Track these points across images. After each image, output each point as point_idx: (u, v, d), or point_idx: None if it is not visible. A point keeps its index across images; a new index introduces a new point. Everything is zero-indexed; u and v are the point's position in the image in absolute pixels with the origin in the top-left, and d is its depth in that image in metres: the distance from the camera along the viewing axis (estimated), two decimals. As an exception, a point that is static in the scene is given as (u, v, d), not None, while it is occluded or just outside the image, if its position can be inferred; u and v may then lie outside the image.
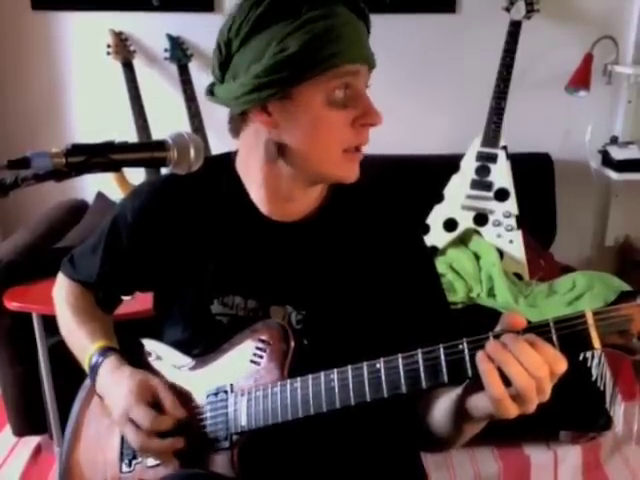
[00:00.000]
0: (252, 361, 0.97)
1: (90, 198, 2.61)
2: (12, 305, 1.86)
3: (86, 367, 1.08)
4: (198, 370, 1.03)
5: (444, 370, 0.80)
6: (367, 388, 0.85)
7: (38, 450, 2.17)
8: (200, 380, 1.02)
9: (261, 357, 0.97)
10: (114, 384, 1.02)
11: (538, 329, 0.77)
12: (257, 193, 1.02)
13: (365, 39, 0.94)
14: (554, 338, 0.76)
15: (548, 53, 2.62)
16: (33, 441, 2.19)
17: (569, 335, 0.76)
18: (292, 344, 0.95)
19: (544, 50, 2.61)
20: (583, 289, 2.18)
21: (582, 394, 2.08)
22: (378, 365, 0.85)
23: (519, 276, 2.34)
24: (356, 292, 1.02)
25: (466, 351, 0.79)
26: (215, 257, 1.04)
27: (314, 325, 1.01)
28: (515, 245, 2.37)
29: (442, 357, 0.81)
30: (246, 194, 1.04)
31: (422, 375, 0.82)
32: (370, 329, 1.01)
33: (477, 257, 2.36)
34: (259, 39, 0.89)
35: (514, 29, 2.38)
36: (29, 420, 2.11)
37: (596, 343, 0.75)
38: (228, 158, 1.07)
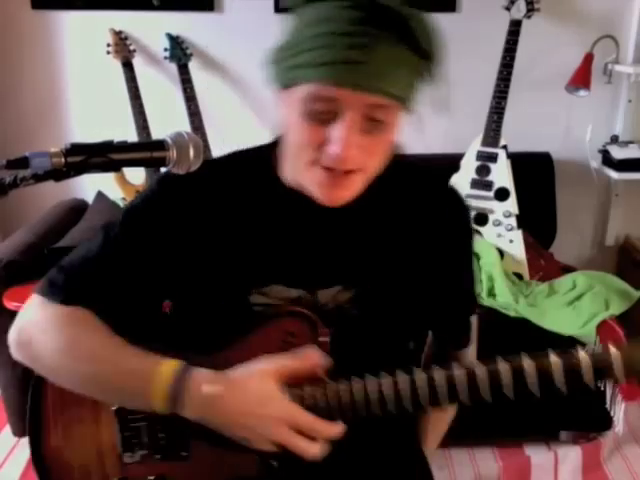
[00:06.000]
0: (276, 352, 0.92)
1: (90, 198, 2.61)
2: (12, 305, 1.86)
3: (159, 395, 0.88)
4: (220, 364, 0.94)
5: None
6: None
7: (38, 450, 2.18)
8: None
9: (289, 350, 0.93)
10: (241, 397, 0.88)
11: None
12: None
13: (375, 64, 0.82)
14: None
15: (548, 52, 2.62)
16: (33, 441, 2.19)
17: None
18: (323, 333, 0.94)
19: (544, 49, 2.61)
20: (583, 289, 2.18)
21: (582, 394, 2.07)
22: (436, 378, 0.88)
23: (519, 276, 2.34)
24: (400, 264, 1.02)
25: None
26: (253, 247, 0.99)
27: (364, 301, 1.00)
28: (515, 245, 2.37)
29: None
30: (280, 178, 0.99)
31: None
32: (409, 302, 1.03)
33: (477, 257, 2.36)
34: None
35: (514, 28, 2.37)
36: (29, 420, 2.11)
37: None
38: (270, 145, 1.02)
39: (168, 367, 0.88)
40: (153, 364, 0.89)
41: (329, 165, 0.87)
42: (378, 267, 1.01)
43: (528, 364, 0.85)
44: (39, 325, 0.95)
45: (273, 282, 0.99)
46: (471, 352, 1.14)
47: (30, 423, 1.02)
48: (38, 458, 1.03)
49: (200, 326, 1.01)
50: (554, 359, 0.85)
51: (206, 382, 0.87)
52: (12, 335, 0.97)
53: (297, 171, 0.93)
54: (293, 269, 0.99)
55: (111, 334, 0.94)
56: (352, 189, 0.91)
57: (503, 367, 0.86)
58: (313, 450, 0.86)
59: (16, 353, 0.97)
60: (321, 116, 0.85)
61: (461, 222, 1.08)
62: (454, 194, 1.08)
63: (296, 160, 0.91)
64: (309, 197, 0.94)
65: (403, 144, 1.00)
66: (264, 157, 1.01)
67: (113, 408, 0.99)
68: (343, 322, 0.99)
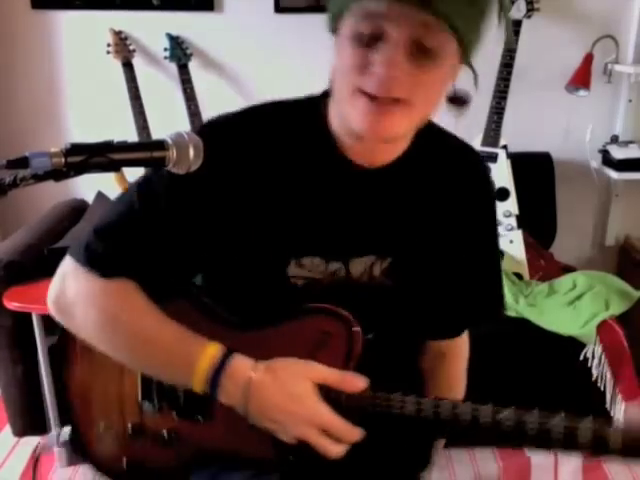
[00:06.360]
0: (312, 350, 0.93)
1: (90, 198, 2.60)
2: (12, 305, 1.86)
3: (199, 378, 0.89)
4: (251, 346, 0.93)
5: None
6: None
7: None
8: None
9: (321, 348, 0.94)
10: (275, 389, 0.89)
11: None
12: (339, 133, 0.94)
13: None
14: None
15: (548, 52, 2.62)
16: (33, 441, 2.19)
17: None
18: (359, 340, 0.93)
19: (544, 49, 2.60)
20: (583, 289, 2.18)
21: (582, 394, 2.08)
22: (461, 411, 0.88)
23: (519, 276, 2.34)
24: (432, 234, 1.01)
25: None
26: (293, 214, 0.95)
27: (400, 271, 1.00)
28: (515, 245, 2.37)
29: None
30: (332, 139, 0.94)
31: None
32: (441, 271, 1.04)
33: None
34: None
35: (514, 28, 2.37)
36: (29, 420, 2.11)
37: None
38: (319, 98, 0.96)
39: (210, 351, 0.89)
40: (196, 346, 0.90)
41: (372, 89, 0.82)
42: (412, 237, 1.00)
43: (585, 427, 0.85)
44: (80, 297, 0.94)
45: (312, 253, 0.97)
46: (465, 338, 1.16)
47: (57, 354, 1.04)
48: (63, 388, 1.05)
49: (236, 300, 1.00)
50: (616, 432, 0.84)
51: (247, 370, 0.88)
52: (51, 300, 0.97)
53: (342, 105, 0.87)
54: (331, 240, 0.97)
55: (153, 310, 0.94)
56: (396, 126, 0.85)
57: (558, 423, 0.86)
58: (337, 451, 0.87)
59: (54, 316, 0.98)
60: (368, 39, 0.81)
61: (488, 195, 1.08)
62: (483, 166, 1.07)
63: (341, 91, 0.86)
64: (349, 160, 0.92)
65: (468, 93, 0.95)
66: (312, 110, 0.96)
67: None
68: (375, 294, 0.99)
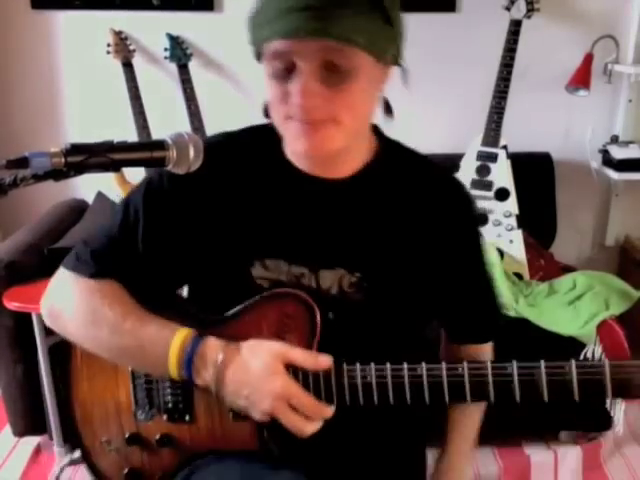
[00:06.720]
0: (277, 335, 0.97)
1: (90, 198, 2.61)
2: (12, 305, 1.86)
3: (173, 361, 0.93)
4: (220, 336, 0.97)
5: (491, 389, 0.91)
6: (408, 391, 0.92)
7: (38, 450, 2.18)
8: None
9: (285, 332, 0.97)
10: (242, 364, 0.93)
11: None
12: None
13: (312, 9, 0.83)
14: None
15: (548, 52, 2.62)
16: (33, 441, 2.19)
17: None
18: (318, 321, 0.96)
19: (544, 49, 2.60)
20: (584, 289, 2.18)
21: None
22: (419, 371, 0.92)
23: (519, 276, 2.34)
24: (406, 251, 1.02)
25: (515, 376, 0.90)
26: (256, 219, 1.01)
27: (368, 287, 1.00)
28: (515, 245, 2.37)
29: (489, 377, 0.91)
30: (285, 154, 1.01)
31: (467, 389, 0.92)
32: (418, 290, 1.04)
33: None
34: None
35: (514, 28, 2.38)
36: (29, 420, 2.11)
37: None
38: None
39: (181, 335, 0.94)
40: (169, 332, 0.95)
41: (296, 117, 0.89)
42: (382, 252, 1.01)
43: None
44: (68, 298, 1.02)
45: (275, 256, 1.00)
46: (488, 347, 1.16)
47: (60, 374, 1.10)
48: (66, 407, 1.10)
49: (211, 299, 1.05)
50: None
51: (217, 350, 0.92)
52: (43, 307, 1.05)
53: (280, 130, 0.95)
54: (295, 245, 1.01)
55: (135, 306, 1.00)
56: (331, 141, 0.91)
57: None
58: (306, 428, 0.90)
59: (47, 322, 1.05)
60: (283, 73, 0.88)
61: (465, 212, 1.07)
62: (457, 184, 1.08)
63: (275, 118, 0.93)
64: (308, 171, 0.99)
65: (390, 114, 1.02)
66: (274, 130, 1.00)
67: (130, 368, 1.05)
68: (346, 307, 1.00)
